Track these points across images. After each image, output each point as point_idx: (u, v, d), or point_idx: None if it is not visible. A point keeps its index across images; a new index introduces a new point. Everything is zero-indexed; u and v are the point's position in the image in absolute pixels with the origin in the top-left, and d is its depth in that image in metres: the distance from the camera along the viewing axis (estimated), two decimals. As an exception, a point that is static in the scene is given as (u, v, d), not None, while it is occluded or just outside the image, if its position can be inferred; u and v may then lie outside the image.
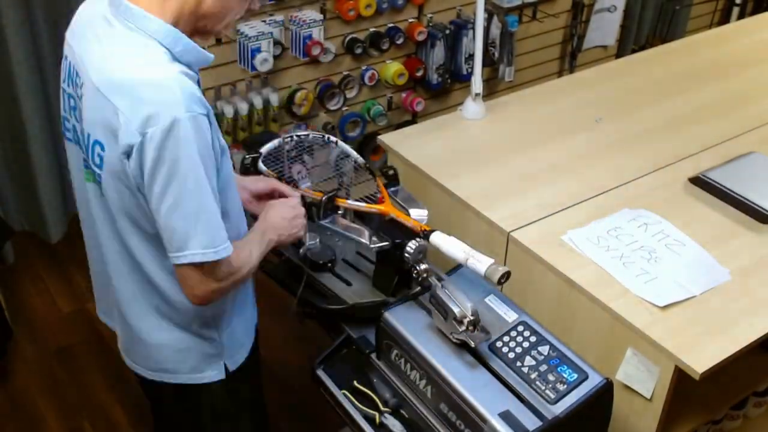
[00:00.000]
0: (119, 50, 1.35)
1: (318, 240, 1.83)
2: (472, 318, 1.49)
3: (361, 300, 1.73)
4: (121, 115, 1.29)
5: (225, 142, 1.45)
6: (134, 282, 1.51)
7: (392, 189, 1.87)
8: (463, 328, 1.50)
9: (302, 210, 1.68)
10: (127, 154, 1.31)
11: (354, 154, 1.92)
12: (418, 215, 1.76)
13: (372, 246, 1.70)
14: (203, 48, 1.42)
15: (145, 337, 1.56)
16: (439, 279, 1.58)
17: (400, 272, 1.71)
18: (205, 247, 1.37)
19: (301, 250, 1.80)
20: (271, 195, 1.74)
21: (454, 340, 1.54)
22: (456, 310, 1.50)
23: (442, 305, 1.53)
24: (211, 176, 1.36)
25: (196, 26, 1.41)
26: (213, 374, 1.61)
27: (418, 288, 1.66)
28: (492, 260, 1.53)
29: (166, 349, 1.57)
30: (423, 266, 1.61)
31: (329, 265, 1.80)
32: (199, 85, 1.42)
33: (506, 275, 1.51)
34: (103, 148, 1.35)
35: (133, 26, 1.35)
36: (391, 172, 1.91)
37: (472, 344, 1.51)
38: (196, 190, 1.34)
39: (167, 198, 1.32)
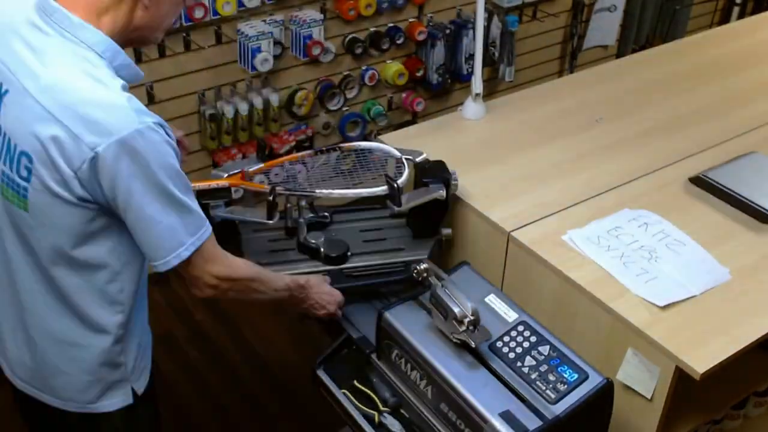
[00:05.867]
0: (60, 62, 1.28)
1: (323, 237, 1.84)
2: (472, 318, 1.49)
3: (429, 250, 1.87)
4: (67, 132, 1.24)
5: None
6: (52, 310, 1.43)
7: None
8: (464, 328, 1.50)
9: (340, 298, 1.76)
10: (76, 170, 1.26)
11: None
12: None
13: (440, 191, 1.85)
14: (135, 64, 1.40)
15: (56, 365, 1.48)
16: (439, 278, 1.58)
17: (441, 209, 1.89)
18: (190, 237, 1.37)
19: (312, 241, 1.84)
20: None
21: (455, 340, 1.54)
22: (456, 310, 1.50)
23: (443, 305, 1.53)
24: (178, 176, 1.34)
25: (129, 38, 1.38)
26: (120, 400, 1.53)
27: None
28: None
29: (76, 378, 1.48)
30: (423, 266, 1.61)
31: (348, 254, 1.84)
32: None
33: None
34: (31, 161, 1.29)
35: (71, 36, 1.29)
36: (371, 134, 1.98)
37: (473, 344, 1.51)
38: (159, 197, 1.31)
39: (135, 210, 1.31)
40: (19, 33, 1.32)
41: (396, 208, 1.79)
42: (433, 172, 1.89)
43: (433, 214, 1.90)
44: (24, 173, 1.30)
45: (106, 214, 1.34)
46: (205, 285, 1.44)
